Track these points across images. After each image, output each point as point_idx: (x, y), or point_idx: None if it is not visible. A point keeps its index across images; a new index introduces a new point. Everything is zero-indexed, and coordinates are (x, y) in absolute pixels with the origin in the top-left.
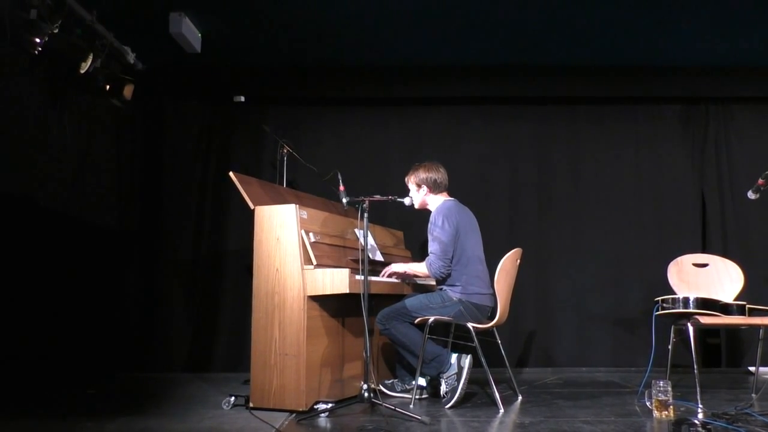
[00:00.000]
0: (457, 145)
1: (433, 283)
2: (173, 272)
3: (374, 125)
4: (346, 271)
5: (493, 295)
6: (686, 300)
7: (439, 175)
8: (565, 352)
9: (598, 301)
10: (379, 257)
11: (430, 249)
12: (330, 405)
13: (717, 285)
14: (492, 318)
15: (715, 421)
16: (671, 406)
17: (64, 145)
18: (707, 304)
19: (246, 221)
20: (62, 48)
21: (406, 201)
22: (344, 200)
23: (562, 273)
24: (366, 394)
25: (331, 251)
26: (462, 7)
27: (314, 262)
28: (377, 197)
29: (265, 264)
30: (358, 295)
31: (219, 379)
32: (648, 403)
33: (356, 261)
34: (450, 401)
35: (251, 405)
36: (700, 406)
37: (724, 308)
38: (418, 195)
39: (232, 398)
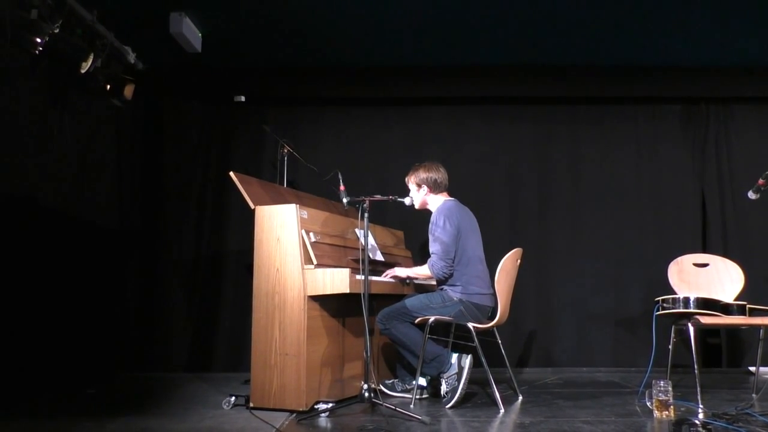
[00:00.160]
0: (458, 145)
1: (434, 283)
2: (173, 272)
3: (374, 125)
4: (346, 271)
5: (494, 295)
6: (687, 300)
7: (440, 174)
8: (566, 352)
9: (598, 301)
10: (379, 257)
11: (431, 249)
12: (330, 405)
13: (717, 285)
14: (492, 318)
15: (716, 421)
16: (672, 406)
17: (65, 145)
18: (708, 304)
19: (246, 221)
20: (63, 48)
21: (407, 201)
22: (345, 200)
23: (562, 273)
24: (366, 394)
25: (331, 251)
26: (462, 7)
27: (315, 261)
28: (378, 197)
29: (265, 264)
30: (359, 295)
31: (219, 379)
32: (648, 403)
33: (357, 261)
34: (450, 401)
35: (251, 405)
36: (701, 406)
37: (725, 308)
38: (418, 195)
39: (233, 398)
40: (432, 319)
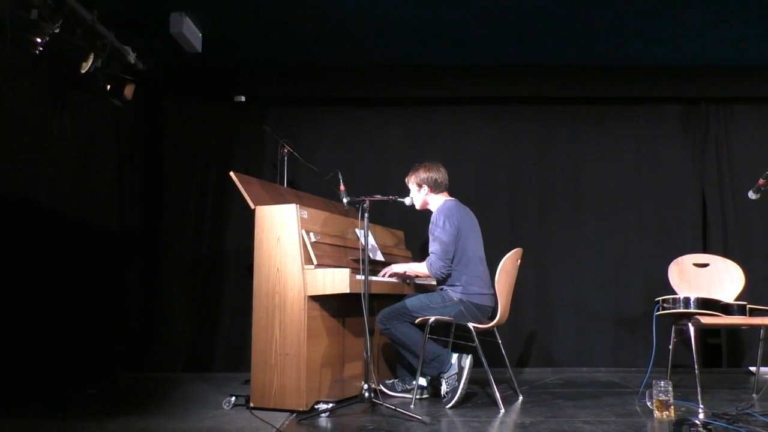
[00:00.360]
0: (458, 145)
1: (434, 283)
2: (174, 272)
3: (374, 125)
4: (346, 271)
5: (494, 295)
6: (687, 300)
7: (440, 174)
8: (566, 352)
9: (598, 301)
10: (379, 257)
11: (430, 249)
12: (330, 405)
13: (717, 285)
14: (492, 318)
15: (716, 421)
16: (672, 406)
17: (65, 145)
18: (708, 304)
19: (246, 221)
20: (63, 48)
21: (407, 201)
22: (345, 200)
23: (562, 273)
24: (366, 394)
25: (331, 251)
26: (462, 8)
27: (315, 261)
28: (378, 197)
29: (265, 264)
30: (359, 295)
31: (219, 379)
32: (649, 403)
33: (357, 261)
34: (451, 401)
35: (252, 405)
36: (701, 406)
37: (725, 308)
38: (418, 195)
39: (233, 398)
40: (432, 319)
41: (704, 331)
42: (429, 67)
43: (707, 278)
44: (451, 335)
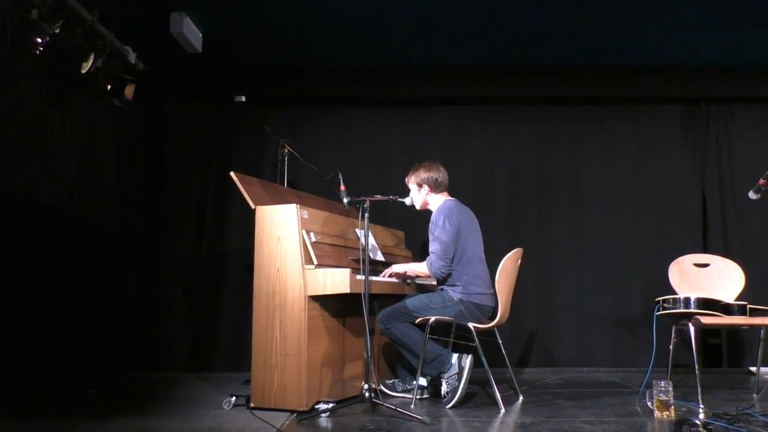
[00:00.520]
0: (458, 145)
1: (434, 283)
2: (174, 272)
3: (375, 125)
4: (347, 271)
5: (494, 295)
6: (687, 300)
7: (440, 174)
8: (566, 352)
9: (598, 301)
10: (380, 257)
11: (431, 249)
12: (331, 405)
13: (718, 285)
14: (493, 318)
15: (716, 421)
16: (672, 407)
17: (65, 145)
18: (708, 304)
19: (247, 221)
20: (63, 48)
21: (407, 201)
22: (345, 200)
23: (562, 273)
24: (367, 394)
25: (332, 251)
26: (462, 8)
27: (315, 261)
28: (378, 197)
29: (265, 264)
30: (359, 295)
31: (220, 379)
32: (649, 403)
33: (357, 261)
34: (451, 401)
35: (252, 405)
36: (701, 406)
37: (725, 308)
38: (419, 195)
39: (233, 398)
40: (432, 319)
41: (704, 331)
42: (429, 67)
43: (707, 278)
44: (452, 335)
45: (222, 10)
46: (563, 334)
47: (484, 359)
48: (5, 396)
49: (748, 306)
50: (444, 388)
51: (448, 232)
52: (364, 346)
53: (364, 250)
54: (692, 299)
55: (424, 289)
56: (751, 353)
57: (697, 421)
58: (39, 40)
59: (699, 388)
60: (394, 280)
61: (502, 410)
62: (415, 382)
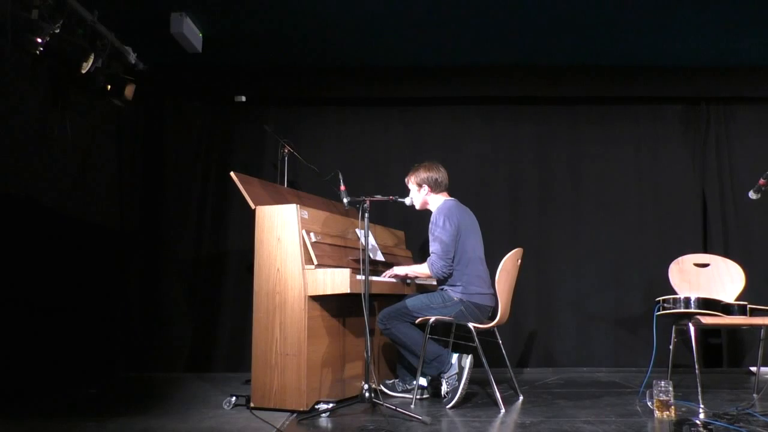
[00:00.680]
0: (458, 145)
1: (434, 283)
2: (174, 272)
3: (375, 125)
4: (347, 271)
5: (494, 295)
6: (687, 300)
7: (440, 174)
8: (566, 352)
9: (599, 301)
10: (380, 257)
11: (431, 249)
12: (331, 405)
13: (718, 285)
14: (493, 318)
15: (717, 421)
16: (672, 406)
17: (66, 145)
18: (708, 304)
19: (247, 221)
20: (64, 48)
21: (407, 201)
22: (345, 200)
23: (563, 273)
24: (367, 394)
25: (332, 251)
26: (462, 7)
27: (315, 262)
28: (378, 197)
29: (266, 264)
30: (359, 295)
31: (220, 379)
32: (649, 403)
33: (357, 261)
34: (451, 401)
35: (252, 405)
36: (702, 406)
37: (726, 308)
38: (418, 195)
39: (233, 398)
40: (433, 319)
41: (705, 331)
42: (429, 67)
43: (708, 278)
44: (452, 335)
45: (222, 10)
46: (563, 334)
47: (484, 359)
48: (5, 396)
49: (748, 306)
50: (444, 388)
51: (448, 231)
52: (364, 346)
53: (364, 250)
54: (692, 299)
55: (424, 289)
56: (751, 353)
57: (698, 421)
58: (39, 40)
59: (699, 388)
60: (394, 280)
61: (502, 410)
62: (415, 382)
